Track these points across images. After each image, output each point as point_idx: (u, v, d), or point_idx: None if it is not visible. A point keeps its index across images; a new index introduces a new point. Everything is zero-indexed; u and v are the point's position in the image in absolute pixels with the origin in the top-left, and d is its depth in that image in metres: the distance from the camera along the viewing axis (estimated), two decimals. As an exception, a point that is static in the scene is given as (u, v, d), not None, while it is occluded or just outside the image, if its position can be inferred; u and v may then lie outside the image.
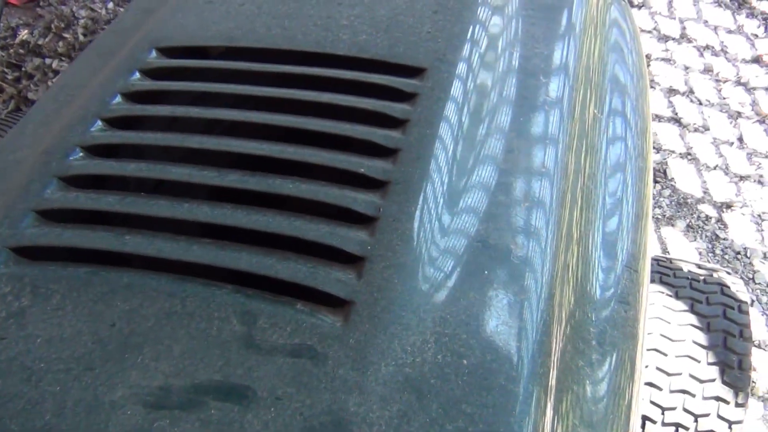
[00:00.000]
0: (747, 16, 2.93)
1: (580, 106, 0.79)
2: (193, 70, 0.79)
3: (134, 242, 0.61)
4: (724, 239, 2.19)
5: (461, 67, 0.75)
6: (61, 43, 3.16)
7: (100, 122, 0.73)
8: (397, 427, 0.49)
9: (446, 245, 0.60)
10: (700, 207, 2.28)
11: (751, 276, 2.12)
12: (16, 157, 0.74)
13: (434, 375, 0.52)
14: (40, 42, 3.24)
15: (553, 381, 0.55)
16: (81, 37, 3.18)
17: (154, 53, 0.81)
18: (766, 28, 2.87)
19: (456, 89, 0.73)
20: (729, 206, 2.27)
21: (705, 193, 2.31)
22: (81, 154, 0.70)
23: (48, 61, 3.09)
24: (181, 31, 0.84)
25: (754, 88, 2.62)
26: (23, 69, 3.15)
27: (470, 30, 0.81)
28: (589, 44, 0.88)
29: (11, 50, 3.21)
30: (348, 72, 0.75)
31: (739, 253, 2.16)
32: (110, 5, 3.34)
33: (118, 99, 0.76)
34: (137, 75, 0.79)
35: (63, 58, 3.09)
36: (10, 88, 2.91)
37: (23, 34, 3.27)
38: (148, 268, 0.60)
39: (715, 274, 1.51)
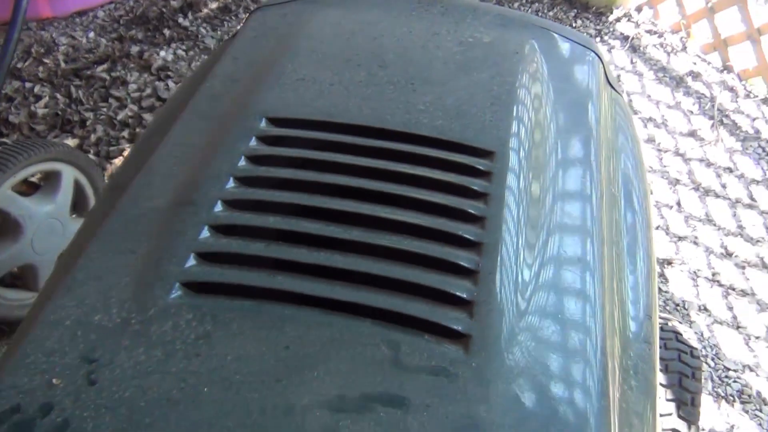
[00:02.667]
0: (684, 94, 3.31)
1: (606, 185, 1.01)
2: (301, 139, 0.96)
3: (286, 282, 0.77)
4: (666, 292, 2.48)
5: (521, 152, 0.96)
6: (41, 68, 3.20)
7: (233, 180, 0.89)
8: (517, 428, 0.67)
9: (532, 297, 0.79)
10: (646, 262, 2.57)
11: (689, 326, 2.40)
12: (153, 205, 0.89)
13: (536, 393, 0.70)
14: (19, 65, 3.26)
15: (615, 411, 0.74)
16: (63, 64, 3.22)
17: (264, 123, 0.98)
18: (699, 105, 3.26)
19: (520, 170, 0.93)
20: (669, 263, 2.56)
21: (650, 249, 2.60)
22: (222, 207, 0.86)
23: (28, 84, 3.11)
24: (285, 105, 1.01)
25: (690, 159, 2.98)
26: (2, 91, 3.17)
27: (522, 120, 1.02)
28: (605, 134, 1.11)
29: (-11, 73, 3.22)
30: (434, 150, 0.94)
31: (678, 304, 2.45)
32: (91, 35, 3.41)
33: (243, 162, 0.92)
34: (254, 141, 0.95)
35: (45, 84, 3.12)
36: (-11, 110, 2.93)
37: (2, 57, 3.29)
38: (297, 303, 0.76)
39: (670, 323, 1.76)
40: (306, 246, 0.82)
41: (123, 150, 2.76)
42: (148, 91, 3.06)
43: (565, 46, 1.27)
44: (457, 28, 1.23)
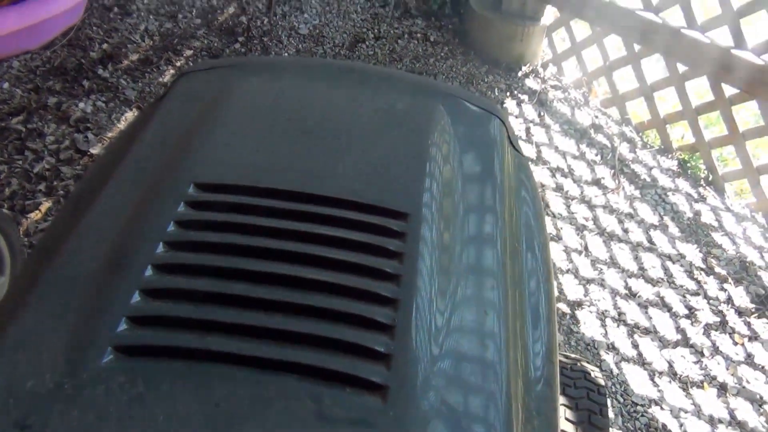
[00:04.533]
0: (587, 145, 3.56)
1: (510, 236, 1.11)
2: (229, 204, 1.01)
3: (215, 342, 0.82)
4: (576, 332, 2.63)
5: (433, 212, 1.05)
6: (-45, 116, 3.09)
7: (162, 245, 0.93)
8: None
9: (444, 347, 0.87)
10: (558, 305, 2.71)
11: (598, 364, 2.55)
12: (85, 269, 0.92)
13: (448, 437, 0.78)
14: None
15: None
16: (-23, 112, 3.13)
17: (192, 188, 1.03)
18: (602, 156, 3.51)
19: (432, 229, 1.02)
20: (579, 305, 2.72)
21: (560, 293, 2.76)
22: (152, 271, 0.90)
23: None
24: (212, 171, 1.07)
25: (595, 206, 3.19)
26: None
27: (433, 181, 1.11)
28: (508, 189, 1.22)
29: None
30: (353, 212, 1.02)
31: (588, 344, 2.60)
32: (5, 85, 3.34)
33: (173, 227, 0.96)
34: (183, 206, 1.00)
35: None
36: None
37: None
38: (226, 362, 0.81)
39: (579, 363, 1.89)
40: (234, 307, 0.87)
41: (40, 204, 2.71)
42: (67, 143, 3.03)
43: (471, 112, 1.39)
44: (373, 96, 1.33)
